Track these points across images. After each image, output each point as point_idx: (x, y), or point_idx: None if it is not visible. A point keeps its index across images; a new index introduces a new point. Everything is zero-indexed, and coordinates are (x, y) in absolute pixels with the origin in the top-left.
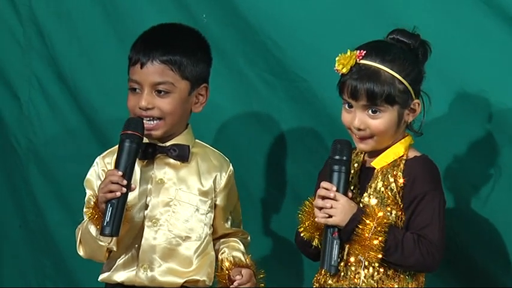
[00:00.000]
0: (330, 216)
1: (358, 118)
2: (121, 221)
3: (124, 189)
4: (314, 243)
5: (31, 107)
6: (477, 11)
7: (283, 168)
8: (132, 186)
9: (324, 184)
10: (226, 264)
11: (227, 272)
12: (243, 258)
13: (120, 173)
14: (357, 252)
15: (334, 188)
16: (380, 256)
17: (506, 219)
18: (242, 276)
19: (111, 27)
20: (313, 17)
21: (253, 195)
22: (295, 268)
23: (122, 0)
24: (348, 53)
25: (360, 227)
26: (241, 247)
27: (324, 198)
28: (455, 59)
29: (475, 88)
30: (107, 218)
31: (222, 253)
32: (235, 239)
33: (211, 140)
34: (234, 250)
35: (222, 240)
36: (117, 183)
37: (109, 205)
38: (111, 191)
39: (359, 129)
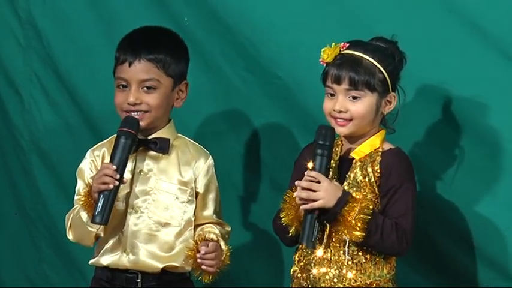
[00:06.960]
0: (314, 201)
1: (339, 102)
2: (111, 211)
3: (116, 182)
4: (291, 231)
5: (32, 102)
6: (442, 18)
7: (261, 158)
8: (124, 179)
9: (308, 173)
10: (196, 239)
11: (196, 245)
12: (212, 236)
13: (114, 167)
14: (340, 232)
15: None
16: (363, 234)
17: (467, 203)
18: (208, 246)
19: (103, 30)
20: (287, 18)
21: (235, 184)
22: (274, 254)
23: (112, 5)
24: (333, 45)
25: (346, 208)
26: (216, 231)
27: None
28: (417, 55)
29: (435, 81)
30: (99, 208)
31: (196, 236)
32: (211, 225)
33: (194, 133)
34: (207, 232)
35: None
36: (111, 176)
37: (101, 196)
38: (104, 183)
39: (340, 112)
